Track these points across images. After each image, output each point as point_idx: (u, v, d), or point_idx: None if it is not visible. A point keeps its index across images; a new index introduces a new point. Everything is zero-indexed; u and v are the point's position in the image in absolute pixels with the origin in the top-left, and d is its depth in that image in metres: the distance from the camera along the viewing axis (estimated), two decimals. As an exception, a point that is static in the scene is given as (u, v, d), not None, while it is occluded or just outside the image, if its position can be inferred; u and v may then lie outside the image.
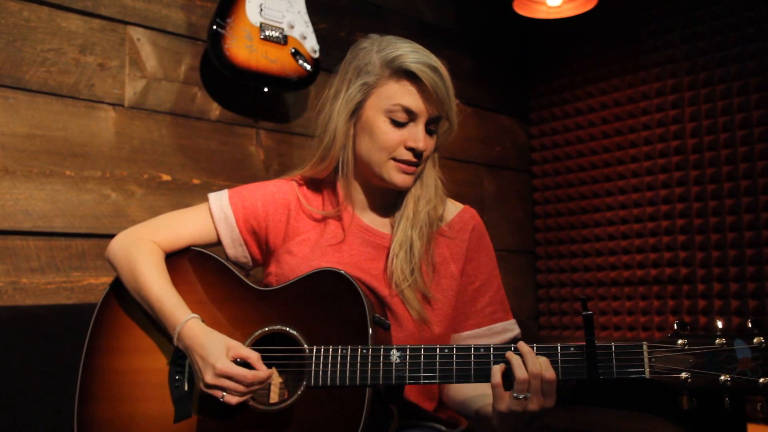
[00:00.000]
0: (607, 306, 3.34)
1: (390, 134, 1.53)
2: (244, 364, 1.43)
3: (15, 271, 2.09)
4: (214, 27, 2.35)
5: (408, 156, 1.54)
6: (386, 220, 1.65)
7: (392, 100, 1.52)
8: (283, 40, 2.48)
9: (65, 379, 1.71)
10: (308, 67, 2.50)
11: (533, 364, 1.30)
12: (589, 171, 3.45)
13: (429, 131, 1.57)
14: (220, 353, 1.41)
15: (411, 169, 1.56)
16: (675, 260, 3.12)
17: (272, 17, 2.46)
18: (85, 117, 2.25)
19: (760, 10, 2.93)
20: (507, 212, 3.59)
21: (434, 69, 1.51)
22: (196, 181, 2.48)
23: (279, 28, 2.47)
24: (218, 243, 1.67)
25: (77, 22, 2.25)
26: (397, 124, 1.53)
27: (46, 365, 1.86)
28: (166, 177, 2.42)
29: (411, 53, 1.52)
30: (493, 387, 1.33)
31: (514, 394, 1.30)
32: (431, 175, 1.63)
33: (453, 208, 1.70)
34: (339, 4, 2.94)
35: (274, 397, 1.51)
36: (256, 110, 2.65)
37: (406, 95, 1.52)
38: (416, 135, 1.53)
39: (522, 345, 1.33)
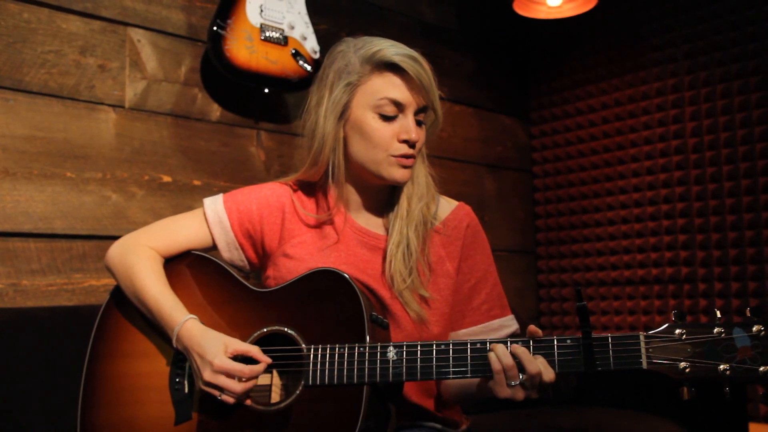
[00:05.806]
0: (608, 306, 3.34)
1: (381, 130, 1.54)
2: (246, 360, 1.44)
3: (16, 273, 2.10)
4: (215, 28, 2.36)
5: (404, 149, 1.54)
6: (379, 221, 1.66)
7: (379, 95, 1.53)
8: (284, 41, 2.48)
9: (67, 382, 1.71)
10: (309, 67, 2.51)
11: (530, 363, 1.31)
12: (590, 171, 3.45)
13: (418, 122, 1.57)
14: (217, 351, 1.42)
15: (410, 162, 1.56)
16: (676, 260, 3.12)
17: (272, 18, 2.46)
18: (85, 118, 2.25)
19: (760, 9, 2.93)
20: (508, 212, 3.58)
21: (415, 59, 1.53)
22: (196, 183, 2.48)
23: (279, 29, 2.47)
24: (214, 247, 1.67)
25: (77, 24, 2.26)
26: (387, 119, 1.54)
27: (47, 367, 1.86)
28: (166, 178, 2.42)
29: (390, 47, 1.53)
30: (495, 374, 1.34)
31: (511, 383, 1.33)
32: (421, 172, 1.63)
33: (447, 206, 1.70)
34: (339, 4, 2.94)
35: (275, 397, 1.52)
36: (257, 111, 2.65)
37: (391, 87, 1.53)
38: (407, 126, 1.54)
39: (516, 348, 1.35)
